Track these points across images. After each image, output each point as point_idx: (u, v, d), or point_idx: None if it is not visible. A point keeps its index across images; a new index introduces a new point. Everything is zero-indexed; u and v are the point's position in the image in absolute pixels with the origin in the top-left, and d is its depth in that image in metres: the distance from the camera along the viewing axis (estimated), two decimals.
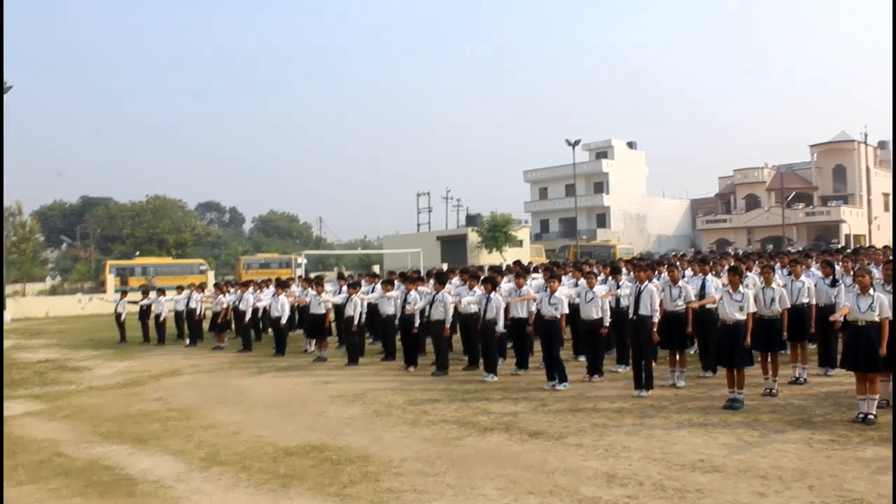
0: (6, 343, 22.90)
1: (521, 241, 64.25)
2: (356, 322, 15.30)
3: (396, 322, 14.90)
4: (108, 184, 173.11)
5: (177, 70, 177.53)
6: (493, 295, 12.63)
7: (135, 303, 22.78)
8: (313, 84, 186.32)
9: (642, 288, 10.73)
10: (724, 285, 10.30)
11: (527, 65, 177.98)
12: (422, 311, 13.99)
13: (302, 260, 49.03)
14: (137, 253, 66.27)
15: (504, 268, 18.54)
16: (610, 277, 13.16)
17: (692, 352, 12.72)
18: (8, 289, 38.63)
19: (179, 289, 22.00)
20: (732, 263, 12.86)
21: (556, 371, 11.34)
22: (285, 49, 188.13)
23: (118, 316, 22.70)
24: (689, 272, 13.32)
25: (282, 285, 18.50)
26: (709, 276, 12.22)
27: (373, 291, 16.66)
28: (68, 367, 16.51)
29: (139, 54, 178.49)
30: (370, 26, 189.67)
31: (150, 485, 6.90)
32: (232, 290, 20.46)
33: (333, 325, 17.24)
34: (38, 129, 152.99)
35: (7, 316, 34.87)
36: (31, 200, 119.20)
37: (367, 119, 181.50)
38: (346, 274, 23.60)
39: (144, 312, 21.89)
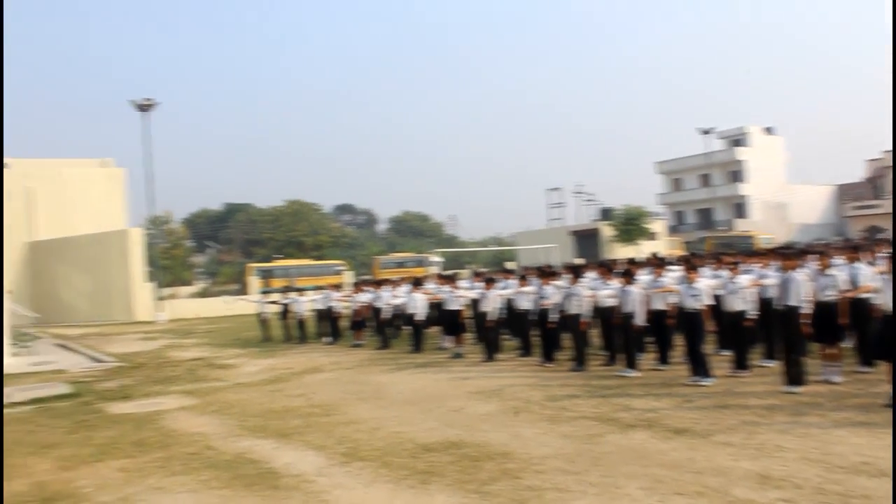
0: (163, 342, 24.23)
1: (655, 234, 62.74)
2: (492, 318, 15.27)
3: (533, 317, 14.77)
4: (249, 190, 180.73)
5: (308, 79, 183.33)
6: (630, 287, 12.31)
7: (275, 303, 23.63)
8: (440, 85, 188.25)
9: (789, 277, 10.17)
10: (881, 273, 9.61)
11: (651, 52, 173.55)
12: (558, 306, 13.80)
13: (437, 258, 49.61)
14: (278, 255, 68.83)
15: (642, 259, 18.07)
16: (755, 267, 12.57)
17: (847, 345, 11.96)
18: (163, 292, 40.81)
19: (318, 289, 22.65)
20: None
21: (699, 366, 10.92)
22: (412, 51, 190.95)
23: (261, 315, 23.62)
24: (839, 260, 12.53)
25: (417, 283, 18.72)
26: (861, 264, 11.45)
27: (508, 287, 16.60)
28: (217, 364, 17.25)
29: (277, 64, 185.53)
30: (496, 26, 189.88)
31: (292, 478, 7.07)
32: (368, 288, 20.85)
33: (470, 321, 17.29)
34: (184, 139, 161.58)
35: (162, 317, 36.94)
36: (180, 209, 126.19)
37: (495, 117, 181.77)
38: (482, 271, 23.61)
39: (285, 312, 22.66)
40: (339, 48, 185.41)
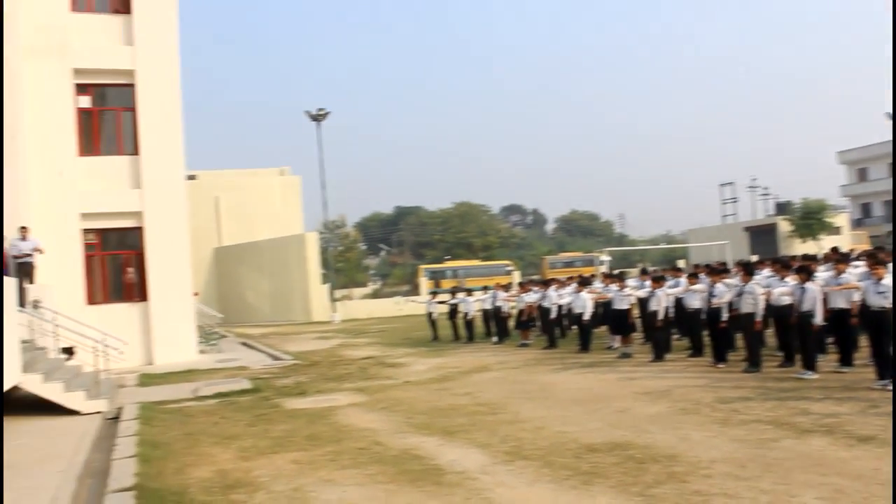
0: (337, 341, 25.21)
1: (838, 228, 58.94)
2: (661, 317, 14.86)
3: (703, 316, 14.25)
4: (418, 193, 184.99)
5: (474, 83, 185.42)
6: (808, 285, 11.60)
7: (443, 303, 24.04)
8: (606, 82, 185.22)
9: None
10: None
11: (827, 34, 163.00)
12: (730, 305, 13.23)
13: (605, 257, 48.84)
14: (447, 257, 70.01)
15: (820, 256, 17.02)
16: None
17: None
18: (336, 293, 42.47)
19: (485, 289, 22.85)
20: None
21: (886, 369, 10.14)
22: (571, 50, 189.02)
23: (430, 315, 24.10)
24: None
25: (584, 282, 18.51)
26: None
27: (678, 285, 16.10)
28: (387, 363, 17.74)
29: (443, 70, 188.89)
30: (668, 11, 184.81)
31: (456, 475, 7.15)
32: (535, 288, 20.80)
33: (638, 320, 16.91)
34: (356, 146, 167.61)
35: (337, 317, 38.44)
36: (353, 213, 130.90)
37: (664, 109, 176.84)
38: (650, 269, 23.03)
39: (454, 312, 23.00)
40: (510, 50, 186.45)
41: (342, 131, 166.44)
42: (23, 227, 16.34)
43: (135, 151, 19.75)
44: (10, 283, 12.70)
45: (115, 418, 11.53)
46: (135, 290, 19.75)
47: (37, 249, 16.35)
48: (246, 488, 7.13)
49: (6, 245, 15.96)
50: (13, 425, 11.47)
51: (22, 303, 14.40)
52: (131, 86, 19.82)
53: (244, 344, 25.28)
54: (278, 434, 9.76)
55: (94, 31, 19.71)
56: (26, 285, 15.51)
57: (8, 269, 15.54)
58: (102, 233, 19.70)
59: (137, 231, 19.71)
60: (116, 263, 19.97)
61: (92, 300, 19.31)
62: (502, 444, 8.37)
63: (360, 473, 7.46)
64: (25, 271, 15.93)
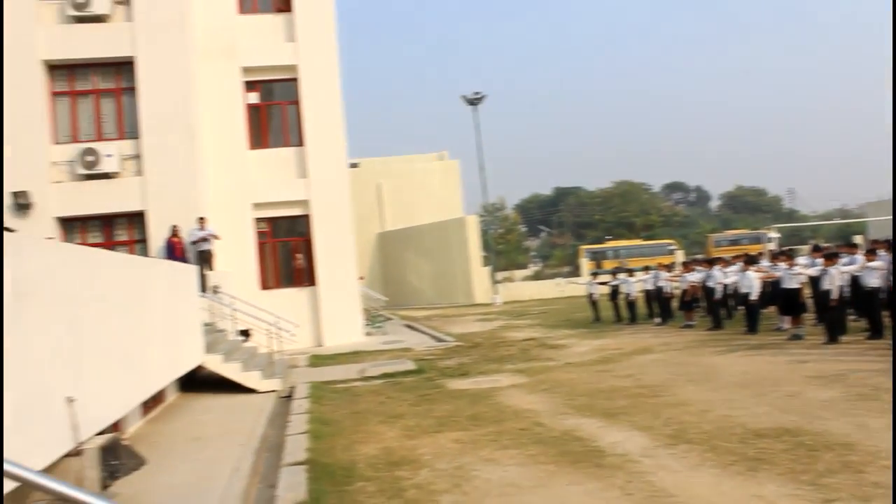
0: (498, 323, 25.43)
1: None
2: (835, 296, 14.03)
3: (882, 296, 13.34)
4: (578, 174, 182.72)
5: (634, 59, 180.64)
6: None
7: (604, 284, 23.73)
8: (765, 55, 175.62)
9: None
10: None
11: None
12: None
13: (773, 234, 46.61)
14: (608, 237, 68.89)
15: None
16: None
17: None
18: (497, 276, 42.76)
19: (646, 269, 22.38)
20: None
21: None
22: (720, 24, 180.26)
23: (590, 296, 23.86)
24: None
25: (750, 261, 17.76)
26: None
27: (853, 263, 15.14)
28: (548, 344, 17.73)
29: (598, 52, 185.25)
30: None
31: (617, 458, 7.08)
32: (699, 267, 20.17)
33: (810, 301, 16.04)
34: (513, 126, 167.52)
35: (498, 299, 38.71)
36: (513, 195, 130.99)
37: (834, 74, 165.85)
38: (823, 245, 21.76)
39: (615, 293, 22.67)
40: (667, 25, 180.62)
41: (500, 114, 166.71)
42: (200, 218, 17.48)
43: (300, 143, 20.64)
44: (192, 270, 13.64)
45: (288, 397, 12.18)
46: (304, 275, 20.69)
47: (213, 236, 17.46)
48: (410, 465, 7.35)
49: (185, 234, 17.19)
50: (199, 401, 12.35)
51: (203, 288, 15.43)
52: (294, 80, 20.72)
53: (408, 326, 25.94)
54: (441, 414, 9.99)
55: (259, 30, 20.72)
56: (206, 272, 16.59)
57: (188, 257, 16.73)
58: (273, 221, 20.75)
59: (305, 219, 20.62)
60: (286, 250, 20.98)
61: (265, 285, 20.41)
62: (665, 427, 8.20)
63: (520, 454, 7.53)
64: (204, 259, 17.06)
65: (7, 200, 17.10)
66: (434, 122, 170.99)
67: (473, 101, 42.25)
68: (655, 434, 7.89)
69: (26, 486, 3.33)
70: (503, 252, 60.08)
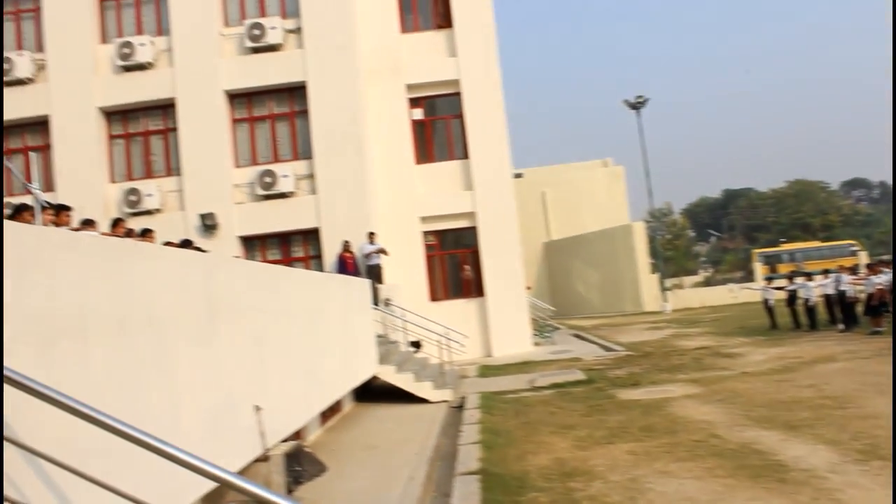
0: (668, 331, 24.74)
1: None
2: None
3: None
4: (748, 175, 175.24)
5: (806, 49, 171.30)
6: None
7: (780, 289, 22.59)
8: None
9: None
10: None
11: None
12: None
13: None
14: (783, 240, 65.58)
15: None
16: None
17: None
18: (666, 282, 41.62)
19: (826, 272, 21.12)
20: None
21: None
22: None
23: (766, 303, 22.79)
24: None
25: None
26: None
27: None
28: (722, 353, 17.08)
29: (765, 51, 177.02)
30: None
31: (801, 473, 6.73)
32: (885, 269, 18.82)
33: None
34: (678, 131, 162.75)
35: (668, 307, 37.68)
36: (679, 200, 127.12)
37: None
38: None
39: (792, 298, 21.54)
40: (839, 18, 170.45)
41: (664, 117, 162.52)
42: (370, 233, 18.10)
43: (465, 156, 20.97)
44: (365, 283, 14.14)
45: (459, 407, 12.36)
46: (472, 287, 20.95)
47: (381, 251, 18.03)
48: (583, 477, 7.29)
49: (355, 248, 17.86)
50: (373, 411, 12.77)
51: (375, 301, 15.96)
52: (457, 94, 21.08)
53: (576, 335, 25.70)
54: (613, 424, 9.84)
55: (421, 48, 21.26)
56: (377, 285, 17.15)
57: (360, 271, 17.36)
58: (440, 234, 21.17)
59: (471, 230, 20.90)
60: (454, 262, 21.34)
61: (434, 297, 20.83)
62: (854, 441, 7.71)
63: (697, 466, 7.31)
64: (375, 273, 17.63)
65: (195, 222, 18.45)
66: (596, 128, 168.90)
67: (636, 105, 41.41)
68: (843, 449, 7.44)
69: (224, 487, 3.57)
70: (672, 258, 58.45)
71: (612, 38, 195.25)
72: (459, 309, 20.52)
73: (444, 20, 21.45)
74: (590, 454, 8.25)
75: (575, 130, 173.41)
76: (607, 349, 20.13)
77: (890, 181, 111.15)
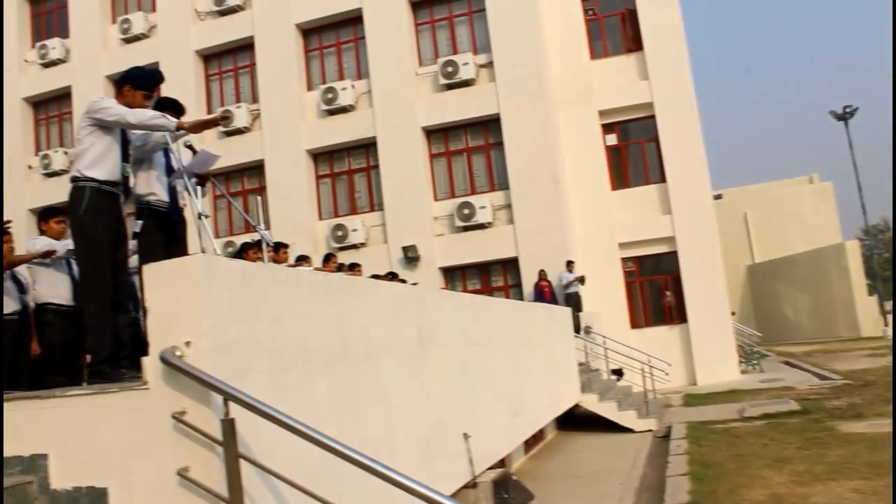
0: (891, 358, 22.85)
1: None
2: None
3: None
4: None
5: None
6: None
7: None
8: None
9: None
10: None
11: None
12: None
13: None
14: None
15: None
16: None
17: None
18: (886, 305, 38.54)
19: None
20: None
21: None
22: None
23: None
24: None
25: None
26: None
27: None
28: None
29: None
30: None
31: None
32: None
33: None
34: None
35: (888, 331, 34.83)
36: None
37: None
38: None
39: None
40: None
41: (872, 125, 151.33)
42: (569, 262, 18.07)
43: (662, 179, 20.50)
44: (566, 312, 14.13)
45: (665, 437, 12.02)
46: (674, 313, 20.37)
47: (580, 279, 17.94)
48: None
49: (552, 277, 17.88)
50: (576, 440, 12.68)
51: (576, 329, 15.89)
52: (651, 117, 20.69)
53: (786, 363, 24.28)
54: (834, 459, 9.19)
55: (612, 73, 21.08)
56: (577, 313, 17.07)
57: (557, 299, 17.36)
58: (639, 260, 20.77)
59: (672, 255, 20.35)
60: (654, 288, 20.85)
61: (634, 324, 20.42)
62: None
63: None
64: (573, 301, 17.55)
65: (398, 254, 19.24)
66: (798, 143, 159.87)
67: (843, 116, 38.87)
68: None
69: None
70: (891, 279, 54.00)
71: (822, 40, 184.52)
72: (661, 336, 19.99)
73: (633, 43, 21.20)
74: (810, 490, 7.75)
75: (777, 146, 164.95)
76: (822, 377, 18.86)
77: None
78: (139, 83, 5.22)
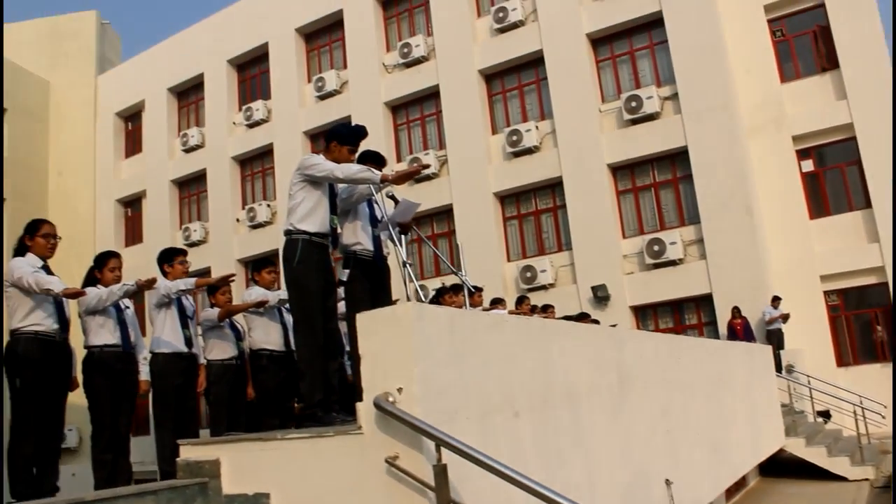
0: None
1: None
2: None
3: None
4: None
5: None
6: None
7: None
8: None
9: None
10: None
11: None
12: None
13: None
14: None
15: None
16: None
17: None
18: None
19: None
20: None
21: None
22: None
23: None
24: None
25: None
26: None
27: None
28: None
29: None
30: None
31: None
32: None
33: None
34: None
35: None
36: None
37: None
38: None
39: None
40: None
41: None
42: (775, 297, 17.20)
43: (866, 205, 19.08)
44: (766, 350, 13.44)
45: (885, 487, 11.08)
46: (885, 349, 18.81)
47: (784, 316, 17.02)
48: None
49: (746, 313, 17.04)
50: (781, 487, 11.95)
51: (778, 368, 15.05)
52: (851, 139, 19.36)
53: None
54: None
55: (805, 95, 19.93)
56: (778, 351, 16.18)
57: (752, 338, 16.53)
58: (843, 292, 19.38)
59: (880, 287, 18.86)
60: (862, 322, 19.36)
61: (841, 362, 19.01)
62: None
63: None
64: (775, 338, 16.66)
65: (587, 294, 19.03)
66: None
67: None
68: None
69: None
70: None
71: None
72: (872, 374, 18.46)
73: (827, 62, 19.94)
74: None
75: None
76: None
77: None
78: (345, 139, 5.54)
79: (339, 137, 5.54)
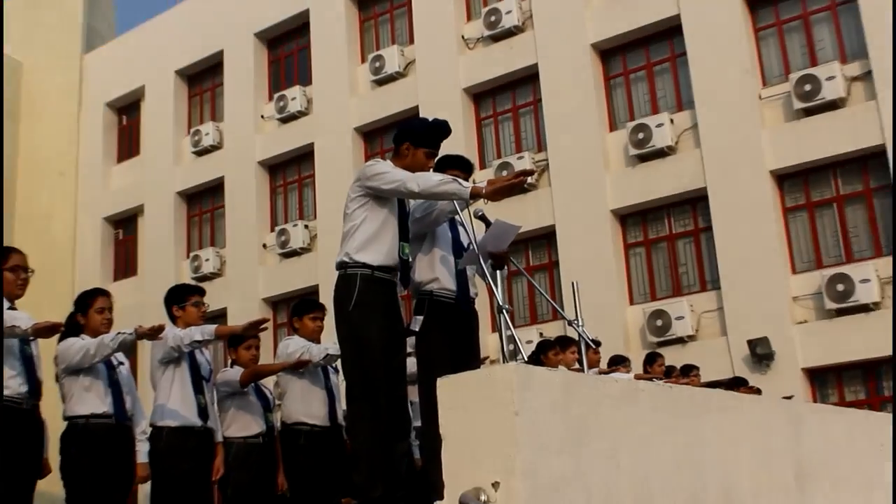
0: None
1: None
2: None
3: None
4: None
5: None
6: None
7: None
8: None
9: None
10: None
11: None
12: None
13: None
14: None
15: None
16: None
17: None
18: None
19: None
20: None
21: None
22: None
23: None
24: None
25: None
26: None
27: None
28: None
29: None
30: None
31: None
32: None
33: None
34: None
35: None
36: None
37: None
38: None
39: None
40: None
41: None
42: None
43: None
44: None
45: None
46: None
47: None
48: None
49: None
50: None
51: None
52: None
53: None
54: None
55: None
56: None
57: None
58: None
59: None
60: None
61: None
62: None
63: None
64: None
65: (741, 350, 18.46)
66: None
67: None
68: None
69: None
70: None
71: None
72: None
73: None
74: None
75: None
76: None
77: None
78: (421, 139, 5.40)
79: (414, 137, 5.42)
